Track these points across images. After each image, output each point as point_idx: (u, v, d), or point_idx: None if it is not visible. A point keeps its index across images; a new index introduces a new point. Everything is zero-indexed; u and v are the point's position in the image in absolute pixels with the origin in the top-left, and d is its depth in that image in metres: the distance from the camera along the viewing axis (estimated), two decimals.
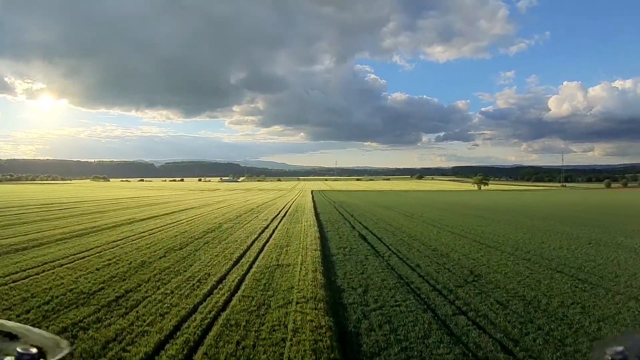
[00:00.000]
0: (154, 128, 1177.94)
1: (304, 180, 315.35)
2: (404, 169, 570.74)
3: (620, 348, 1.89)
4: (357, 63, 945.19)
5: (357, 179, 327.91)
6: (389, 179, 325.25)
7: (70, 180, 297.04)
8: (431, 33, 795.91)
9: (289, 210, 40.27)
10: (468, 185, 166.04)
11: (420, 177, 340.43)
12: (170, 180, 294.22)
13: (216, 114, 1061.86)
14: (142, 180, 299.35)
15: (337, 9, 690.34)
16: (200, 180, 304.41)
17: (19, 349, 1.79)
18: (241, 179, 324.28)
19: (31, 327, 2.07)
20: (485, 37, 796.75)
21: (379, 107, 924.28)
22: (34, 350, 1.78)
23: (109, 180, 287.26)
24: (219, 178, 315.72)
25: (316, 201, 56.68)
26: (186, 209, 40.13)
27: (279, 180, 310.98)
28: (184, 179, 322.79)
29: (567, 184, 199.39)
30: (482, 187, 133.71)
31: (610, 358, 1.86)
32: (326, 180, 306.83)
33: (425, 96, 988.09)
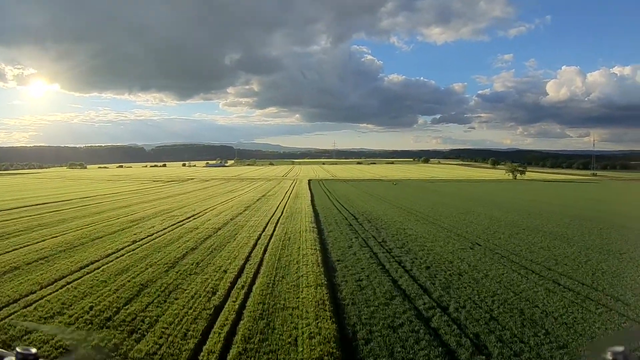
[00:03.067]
0: (147, 111, 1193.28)
1: (299, 164, 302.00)
2: (401, 151, 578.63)
3: (620, 348, 2.05)
4: (353, 44, 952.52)
5: (358, 162, 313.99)
6: (392, 163, 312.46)
7: (48, 168, 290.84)
8: (429, 14, 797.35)
9: (270, 246, 19.59)
10: (494, 172, 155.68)
11: (426, 161, 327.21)
12: (151, 166, 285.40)
13: (210, 95, 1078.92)
14: (121, 167, 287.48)
15: None
16: (184, 165, 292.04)
17: (18, 349, 2.07)
18: (229, 162, 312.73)
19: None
20: (485, 19, 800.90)
21: (375, 88, 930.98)
22: (34, 350, 2.08)
23: (85, 167, 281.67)
24: (205, 162, 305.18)
25: (319, 209, 39.40)
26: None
27: (271, 164, 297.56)
28: (167, 164, 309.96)
29: (598, 172, 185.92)
30: (518, 175, 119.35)
31: (610, 358, 2.03)
32: (323, 164, 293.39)
33: (422, 78, 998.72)
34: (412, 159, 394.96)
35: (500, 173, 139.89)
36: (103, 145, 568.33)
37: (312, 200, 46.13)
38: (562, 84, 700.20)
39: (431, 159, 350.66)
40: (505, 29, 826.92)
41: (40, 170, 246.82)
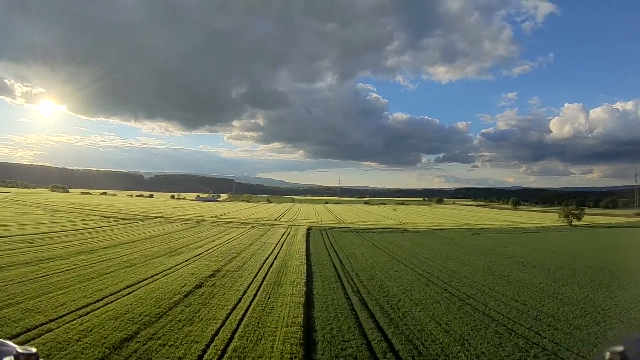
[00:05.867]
0: (152, 140, 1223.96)
1: (300, 202, 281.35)
2: (406, 189, 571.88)
3: (620, 348, 2.06)
4: (359, 81, 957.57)
5: (365, 202, 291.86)
6: (403, 203, 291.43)
7: (30, 188, 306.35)
8: (435, 52, 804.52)
9: None
10: (537, 216, 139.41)
11: (439, 201, 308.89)
12: (137, 195, 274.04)
13: (216, 128, 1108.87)
14: (105, 194, 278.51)
15: (340, 25, 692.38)
16: (172, 197, 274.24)
17: (18, 349, 2.09)
18: (222, 197, 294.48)
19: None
20: (489, 58, 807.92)
21: (380, 126, 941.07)
22: (34, 350, 2.10)
23: (67, 191, 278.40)
24: (196, 195, 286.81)
25: (319, 318, 18.27)
26: None
27: (269, 201, 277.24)
28: (156, 194, 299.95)
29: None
30: (573, 220, 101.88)
31: (610, 358, 2.05)
32: (326, 202, 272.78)
33: (426, 116, 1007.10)
34: (421, 199, 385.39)
35: (542, 217, 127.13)
36: (103, 170, 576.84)
37: (309, 282, 26.21)
38: (566, 121, 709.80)
39: (444, 199, 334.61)
40: (509, 67, 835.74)
41: (15, 190, 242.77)
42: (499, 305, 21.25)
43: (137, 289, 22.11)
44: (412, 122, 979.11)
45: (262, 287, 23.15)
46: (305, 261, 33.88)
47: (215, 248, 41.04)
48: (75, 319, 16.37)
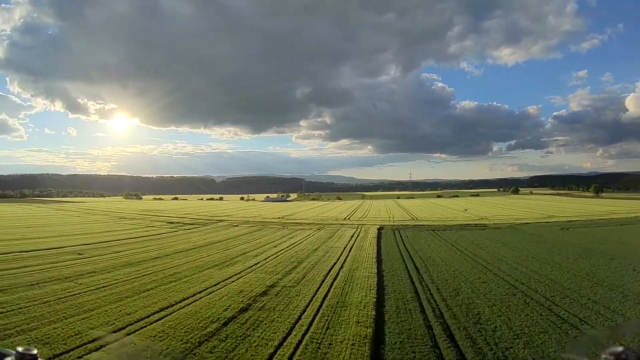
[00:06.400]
0: (222, 144, 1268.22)
1: (371, 198, 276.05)
2: (478, 180, 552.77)
3: (620, 348, 2.11)
4: (423, 72, 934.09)
5: (438, 196, 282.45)
6: (477, 195, 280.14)
7: (106, 197, 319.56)
8: (498, 34, 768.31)
9: None
10: (625, 204, 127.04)
11: (515, 192, 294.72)
12: (208, 199, 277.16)
13: (283, 129, 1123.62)
14: (176, 199, 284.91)
15: (398, 15, 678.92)
16: (242, 198, 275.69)
17: (19, 349, 2.13)
18: (292, 196, 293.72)
19: None
20: (555, 35, 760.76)
21: (447, 116, 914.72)
22: (35, 350, 2.12)
23: (140, 198, 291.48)
24: (265, 196, 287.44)
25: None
26: None
27: (339, 198, 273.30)
28: (226, 197, 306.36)
29: None
30: None
31: (610, 358, 2.08)
32: (398, 197, 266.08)
33: (494, 103, 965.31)
34: (495, 189, 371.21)
35: (631, 205, 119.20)
36: (176, 176, 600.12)
37: (379, 302, 21.49)
38: None
39: (520, 189, 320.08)
40: (577, 42, 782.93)
41: (90, 200, 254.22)
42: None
43: (171, 313, 18.55)
44: (480, 110, 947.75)
45: (321, 311, 18.75)
46: (375, 271, 29.13)
47: (275, 256, 37.03)
48: (81, 356, 13.60)
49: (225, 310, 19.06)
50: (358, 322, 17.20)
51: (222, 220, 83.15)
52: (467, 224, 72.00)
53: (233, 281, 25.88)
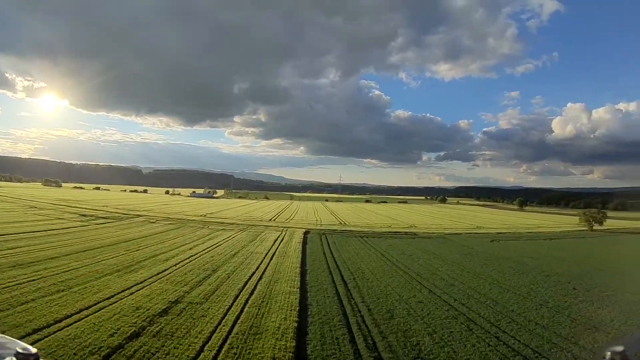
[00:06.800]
0: (153, 135, 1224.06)
1: (299, 199, 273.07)
2: (406, 187, 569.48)
3: (620, 348, 2.13)
4: (362, 78, 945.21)
5: (366, 200, 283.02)
6: (405, 202, 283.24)
7: (24, 182, 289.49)
8: (439, 50, 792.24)
9: None
10: (552, 219, 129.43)
11: (443, 200, 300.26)
12: (131, 191, 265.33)
13: (217, 123, 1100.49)
14: (98, 188, 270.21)
15: (345, 20, 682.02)
16: (167, 192, 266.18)
17: (18, 349, 2.08)
18: (219, 192, 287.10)
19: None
20: (493, 56, 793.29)
21: (382, 123, 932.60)
22: (34, 350, 2.08)
23: (60, 186, 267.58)
24: (192, 191, 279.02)
25: None
26: None
27: (267, 197, 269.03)
28: (150, 189, 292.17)
29: None
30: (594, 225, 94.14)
31: (610, 358, 2.10)
32: (326, 200, 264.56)
33: (428, 114, 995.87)
34: (423, 197, 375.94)
35: (556, 219, 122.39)
36: (102, 164, 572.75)
37: (301, 328, 18.55)
38: (568, 121, 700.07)
39: (448, 198, 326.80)
40: (513, 66, 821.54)
41: (6, 184, 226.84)
42: None
43: (44, 338, 14.87)
44: (414, 120, 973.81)
45: (229, 340, 15.40)
46: (298, 284, 26.00)
47: (188, 260, 33.11)
48: None
49: (111, 335, 15.38)
50: (274, 359, 13.93)
51: (140, 216, 77.44)
52: (396, 232, 70.43)
53: (132, 293, 22.05)
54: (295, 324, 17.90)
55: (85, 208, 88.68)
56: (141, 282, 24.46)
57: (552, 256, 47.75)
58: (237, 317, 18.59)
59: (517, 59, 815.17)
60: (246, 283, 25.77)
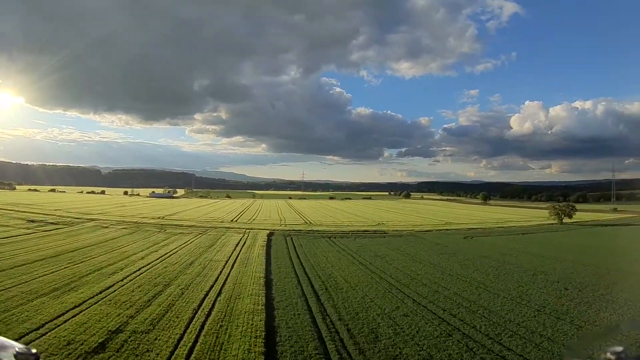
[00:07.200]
0: (112, 133, 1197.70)
1: (262, 197, 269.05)
2: (369, 183, 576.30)
3: (620, 348, 2.16)
4: (323, 75, 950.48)
5: (330, 197, 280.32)
6: (369, 198, 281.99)
7: None
8: (400, 48, 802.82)
9: None
10: (523, 212, 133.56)
11: (407, 196, 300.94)
12: (88, 192, 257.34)
13: (177, 121, 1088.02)
14: (54, 190, 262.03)
15: (307, 17, 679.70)
16: (126, 193, 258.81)
17: (18, 349, 2.03)
18: (179, 192, 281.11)
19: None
20: (453, 55, 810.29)
21: (343, 121, 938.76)
22: (34, 350, 2.02)
23: (14, 188, 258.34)
24: (151, 191, 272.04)
25: None
26: None
27: (228, 196, 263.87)
28: (108, 190, 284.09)
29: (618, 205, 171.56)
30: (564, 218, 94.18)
31: (610, 358, 2.15)
32: (290, 198, 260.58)
33: (389, 112, 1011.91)
34: (387, 193, 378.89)
35: (523, 213, 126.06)
36: (59, 165, 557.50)
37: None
38: (526, 118, 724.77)
39: (412, 193, 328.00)
40: (473, 65, 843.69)
41: None
42: None
43: None
44: (375, 117, 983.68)
45: None
46: (264, 300, 22.52)
47: (138, 273, 29.24)
48: None
49: None
50: None
51: (92, 220, 72.60)
52: (365, 230, 67.58)
53: (66, 320, 18.29)
54: (263, 357, 14.67)
55: (35, 213, 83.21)
56: (79, 305, 20.68)
57: (530, 253, 45.76)
58: (191, 350, 15.16)
59: (477, 58, 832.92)
60: (202, 300, 22.16)
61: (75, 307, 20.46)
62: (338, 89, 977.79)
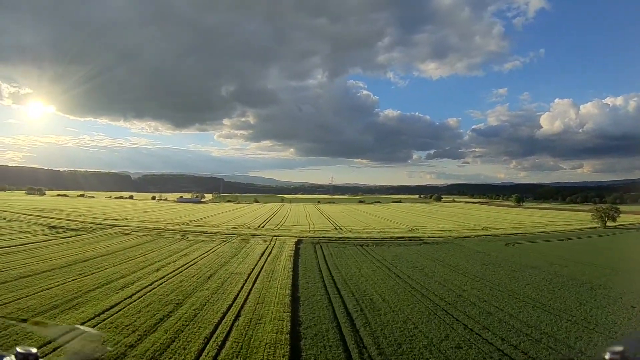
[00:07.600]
0: (142, 139, 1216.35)
1: (290, 201, 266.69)
2: (398, 186, 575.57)
3: (620, 348, 2.17)
4: (349, 78, 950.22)
5: (360, 201, 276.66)
6: (400, 201, 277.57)
7: (5, 191, 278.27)
8: (426, 48, 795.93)
9: None
10: (563, 215, 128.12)
11: (438, 199, 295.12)
12: (116, 197, 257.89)
13: (206, 126, 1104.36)
14: (82, 195, 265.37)
15: (331, 21, 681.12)
16: (154, 198, 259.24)
17: (18, 349, 2.03)
18: (207, 197, 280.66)
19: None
20: (480, 54, 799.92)
21: (371, 123, 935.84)
22: (34, 350, 2.03)
23: (44, 194, 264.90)
24: (179, 195, 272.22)
25: None
26: None
27: (256, 201, 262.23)
28: (136, 195, 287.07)
29: None
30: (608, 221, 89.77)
31: (610, 358, 2.14)
32: (318, 202, 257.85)
33: (417, 113, 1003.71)
34: (416, 196, 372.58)
35: (561, 215, 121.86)
36: (90, 170, 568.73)
37: None
38: (556, 116, 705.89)
39: (443, 196, 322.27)
40: (500, 63, 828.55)
41: None
42: None
43: None
44: (403, 119, 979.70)
45: None
46: (288, 327, 19.29)
47: (150, 288, 26.46)
48: None
49: None
50: None
51: (115, 226, 70.66)
52: (399, 237, 63.99)
53: (55, 349, 15.39)
54: None
55: (58, 218, 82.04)
56: (71, 330, 17.93)
57: (580, 262, 41.79)
58: None
59: (504, 56, 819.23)
60: (217, 326, 19.00)
61: (72, 330, 17.67)
62: (365, 92, 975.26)
